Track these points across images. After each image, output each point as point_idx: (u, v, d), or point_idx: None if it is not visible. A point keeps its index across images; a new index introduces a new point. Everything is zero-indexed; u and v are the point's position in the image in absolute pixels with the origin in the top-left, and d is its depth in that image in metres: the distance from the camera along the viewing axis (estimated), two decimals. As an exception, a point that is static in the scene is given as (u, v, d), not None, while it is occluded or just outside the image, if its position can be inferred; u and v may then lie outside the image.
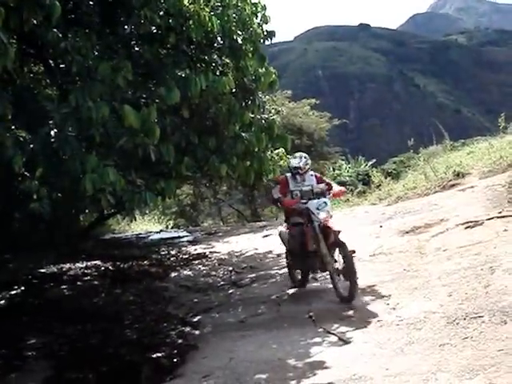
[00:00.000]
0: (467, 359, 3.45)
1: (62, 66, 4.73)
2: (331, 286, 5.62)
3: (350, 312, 4.93)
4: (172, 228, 17.42)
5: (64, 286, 7.64)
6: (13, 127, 3.97)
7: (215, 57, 5.60)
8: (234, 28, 5.51)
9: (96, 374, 4.64)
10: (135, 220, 12.41)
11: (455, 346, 3.70)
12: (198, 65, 5.42)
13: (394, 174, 19.68)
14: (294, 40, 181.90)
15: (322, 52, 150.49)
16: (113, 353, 5.05)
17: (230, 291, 6.79)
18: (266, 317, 5.47)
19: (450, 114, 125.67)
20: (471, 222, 6.71)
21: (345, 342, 4.30)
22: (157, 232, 13.63)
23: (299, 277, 6.16)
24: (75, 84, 4.33)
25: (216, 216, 24.26)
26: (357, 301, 5.11)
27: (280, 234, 6.16)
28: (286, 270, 6.90)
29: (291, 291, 6.17)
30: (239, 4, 5.66)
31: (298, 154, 6.02)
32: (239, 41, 5.66)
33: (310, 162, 6.00)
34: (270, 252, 8.63)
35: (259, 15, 5.93)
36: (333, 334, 4.52)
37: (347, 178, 20.61)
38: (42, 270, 8.45)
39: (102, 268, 8.58)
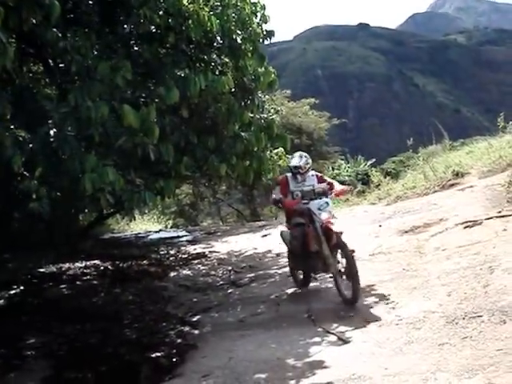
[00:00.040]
0: (466, 359, 3.46)
1: (61, 65, 4.73)
2: (330, 285, 5.62)
3: (349, 312, 4.92)
4: (171, 227, 17.39)
5: (63, 286, 7.63)
6: (12, 127, 3.97)
7: (214, 56, 5.60)
8: (233, 27, 5.52)
9: (95, 374, 4.64)
10: (134, 219, 12.40)
11: (454, 345, 3.71)
12: (198, 64, 5.42)
13: (394, 173, 19.69)
14: (294, 39, 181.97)
15: (322, 51, 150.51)
16: (112, 352, 5.05)
17: (230, 291, 6.79)
18: (265, 316, 5.47)
19: (450, 113, 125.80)
20: (470, 221, 6.72)
21: (344, 341, 4.30)
22: (156, 231, 13.61)
23: (301, 276, 6.09)
24: (74, 83, 4.33)
25: (215, 215, 24.28)
26: (356, 300, 5.11)
27: (281, 234, 6.02)
28: (285, 269, 6.91)
29: (290, 291, 6.17)
30: (238, 3, 5.66)
31: (298, 154, 5.92)
32: (238, 40, 5.66)
33: (310, 161, 5.89)
34: (269, 251, 8.62)
35: (258, 15, 5.93)
36: (332, 333, 4.52)
37: (346, 178, 20.57)
38: (42, 270, 8.44)
39: (102, 268, 8.58)
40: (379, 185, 13.01)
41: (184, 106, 5.22)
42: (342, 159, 25.20)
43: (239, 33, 5.69)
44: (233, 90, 5.48)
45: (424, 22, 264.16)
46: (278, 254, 8.17)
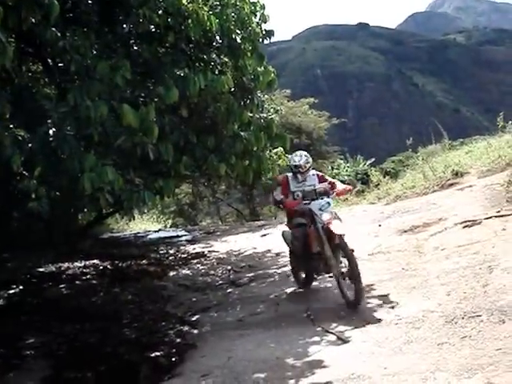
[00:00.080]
0: (466, 358, 3.46)
1: (60, 64, 4.72)
2: (330, 285, 5.62)
3: (349, 311, 4.92)
4: (171, 227, 17.39)
5: (62, 285, 7.63)
6: (11, 126, 3.96)
7: (214, 56, 5.59)
8: (232, 27, 5.51)
9: (94, 373, 4.63)
10: (134, 219, 12.37)
11: (454, 345, 3.71)
12: (197, 64, 5.41)
13: (393, 173, 19.74)
14: (293, 39, 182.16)
15: (321, 51, 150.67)
16: (111, 352, 5.04)
17: (229, 290, 6.78)
18: (264, 316, 5.47)
19: (449, 113, 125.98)
20: (470, 221, 6.72)
21: (343, 341, 4.30)
22: (155, 231, 13.61)
23: (303, 276, 6.02)
24: (74, 83, 4.32)
25: (215, 215, 24.29)
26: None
27: (283, 234, 5.92)
28: (284, 268, 6.91)
29: (289, 290, 6.17)
30: (238, 3, 5.65)
31: (298, 153, 5.83)
32: (238, 40, 5.65)
33: (310, 160, 5.80)
34: (269, 251, 8.62)
35: (258, 14, 5.92)
36: (331, 333, 4.52)
37: (346, 177, 20.57)
38: (41, 269, 8.43)
39: (101, 267, 8.58)
40: (378, 184, 13.03)
41: (183, 105, 5.21)
42: (342, 159, 25.21)
43: (238, 32, 5.68)
44: (232, 89, 5.47)
45: (423, 21, 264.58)
46: (277, 254, 8.18)
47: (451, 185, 9.78)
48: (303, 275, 6.03)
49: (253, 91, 6.02)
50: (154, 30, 5.19)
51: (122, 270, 8.34)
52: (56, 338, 5.48)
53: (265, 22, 6.00)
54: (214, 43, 5.61)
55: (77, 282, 7.79)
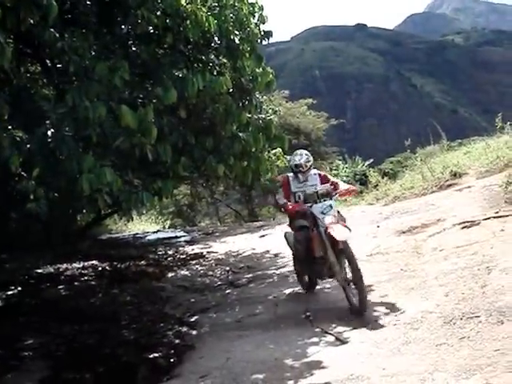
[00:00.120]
0: (464, 359, 3.46)
1: (58, 65, 4.71)
2: (328, 286, 5.61)
3: (348, 312, 4.92)
4: (169, 228, 17.39)
5: (61, 287, 7.62)
6: (9, 127, 3.95)
7: (212, 57, 5.59)
8: (231, 28, 5.50)
9: (93, 374, 4.63)
10: (132, 220, 12.38)
11: (452, 345, 3.71)
12: (195, 65, 5.41)
13: (391, 173, 19.73)
14: (291, 40, 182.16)
15: (319, 52, 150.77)
16: (110, 353, 5.04)
17: (227, 291, 6.79)
18: (263, 317, 5.47)
19: (447, 113, 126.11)
20: (468, 221, 6.73)
21: (342, 341, 4.30)
22: (154, 232, 13.61)
23: (307, 279, 5.89)
24: (72, 84, 4.31)
25: (213, 216, 24.26)
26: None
27: (285, 236, 5.80)
28: (283, 269, 6.92)
29: (288, 291, 6.16)
30: (236, 4, 5.65)
31: (298, 152, 5.73)
32: (236, 41, 5.64)
33: (311, 159, 5.69)
34: (267, 252, 8.63)
35: (256, 15, 5.92)
36: (330, 333, 4.52)
37: (344, 178, 20.57)
38: (39, 271, 8.43)
39: (99, 268, 8.57)
40: (377, 185, 13.04)
41: (182, 106, 5.21)
42: (340, 160, 25.15)
43: (237, 33, 5.67)
44: (231, 90, 5.46)
45: (422, 22, 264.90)
46: (275, 255, 8.18)
47: (450, 186, 9.80)
48: (307, 279, 5.89)
49: (251, 92, 6.01)
50: (152, 31, 5.17)
51: (120, 271, 8.34)
52: (54, 339, 5.48)
53: (263, 23, 6.00)
54: (213, 44, 5.60)
55: (75, 283, 7.79)
